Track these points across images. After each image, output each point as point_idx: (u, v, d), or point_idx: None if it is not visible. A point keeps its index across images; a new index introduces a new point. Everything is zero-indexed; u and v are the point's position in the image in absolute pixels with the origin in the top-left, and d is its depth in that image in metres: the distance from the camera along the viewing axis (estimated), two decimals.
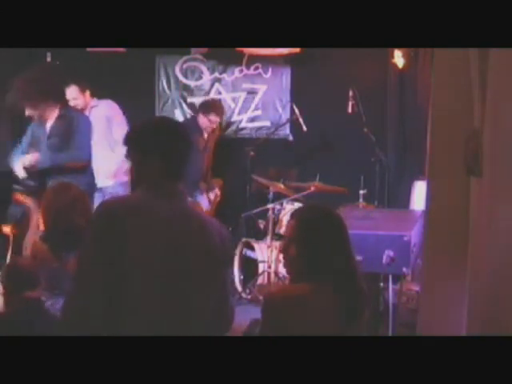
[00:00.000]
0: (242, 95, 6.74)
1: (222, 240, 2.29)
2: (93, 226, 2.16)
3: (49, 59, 6.40)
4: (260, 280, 5.27)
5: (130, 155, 2.29)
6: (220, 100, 6.41)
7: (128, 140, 2.30)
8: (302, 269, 2.29)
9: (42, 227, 3.49)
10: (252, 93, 6.73)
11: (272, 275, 5.18)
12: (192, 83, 6.80)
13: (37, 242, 3.40)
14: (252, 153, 5.99)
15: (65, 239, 3.21)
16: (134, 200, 2.22)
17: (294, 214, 2.44)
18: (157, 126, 2.33)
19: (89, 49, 5.91)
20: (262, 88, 6.70)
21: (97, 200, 4.52)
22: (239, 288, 5.46)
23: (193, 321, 2.21)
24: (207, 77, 6.77)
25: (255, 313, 3.22)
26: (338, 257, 2.26)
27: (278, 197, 5.64)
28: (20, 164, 4.51)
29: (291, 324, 2.19)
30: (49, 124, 4.56)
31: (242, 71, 6.71)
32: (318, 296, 2.21)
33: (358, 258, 3.40)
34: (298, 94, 6.53)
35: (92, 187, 4.71)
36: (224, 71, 6.74)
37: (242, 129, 6.78)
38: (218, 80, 6.76)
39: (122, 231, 2.08)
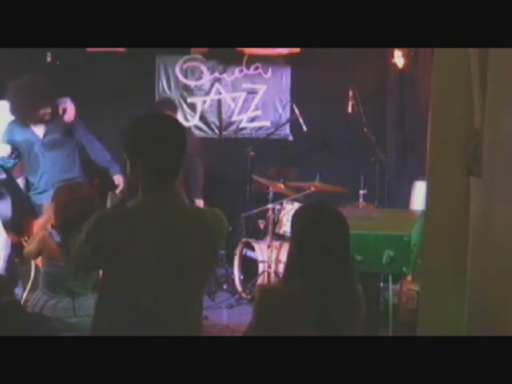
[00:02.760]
0: (242, 95, 6.74)
1: (219, 232, 2.30)
2: (87, 224, 2.19)
3: (49, 59, 6.40)
4: (260, 280, 5.27)
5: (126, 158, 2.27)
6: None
7: (123, 141, 2.28)
8: (295, 267, 2.29)
9: (51, 224, 3.48)
10: (252, 93, 6.73)
11: (272, 275, 5.18)
12: (192, 83, 6.80)
13: (46, 238, 3.38)
14: (252, 153, 5.98)
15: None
16: (128, 207, 2.23)
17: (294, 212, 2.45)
18: (143, 124, 2.24)
19: (89, 49, 5.91)
20: (262, 88, 6.71)
21: None
22: (239, 288, 5.46)
23: (186, 317, 2.23)
24: (207, 77, 6.77)
25: None
26: (330, 256, 2.25)
27: (278, 197, 5.64)
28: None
29: (279, 320, 2.19)
30: (40, 123, 4.63)
31: (242, 71, 6.71)
32: (308, 294, 2.20)
33: (358, 257, 3.42)
34: (298, 94, 6.53)
35: None
36: (224, 71, 6.74)
37: (242, 129, 6.78)
38: (218, 80, 6.76)
39: (108, 236, 2.13)
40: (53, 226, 3.42)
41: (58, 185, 4.37)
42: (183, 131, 2.28)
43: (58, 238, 3.35)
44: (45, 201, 4.60)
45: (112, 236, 2.13)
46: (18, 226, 4.63)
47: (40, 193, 4.71)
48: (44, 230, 3.48)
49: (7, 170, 4.75)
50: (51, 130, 4.64)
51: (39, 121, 4.62)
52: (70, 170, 4.70)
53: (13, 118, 4.68)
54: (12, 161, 4.75)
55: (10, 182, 4.81)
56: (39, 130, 4.64)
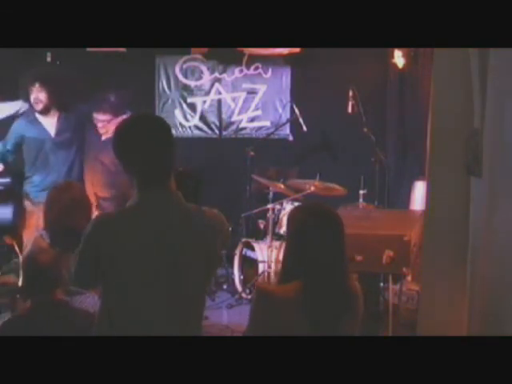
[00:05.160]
0: (242, 95, 6.74)
1: (219, 232, 2.29)
2: (85, 230, 2.19)
3: (49, 59, 6.40)
4: (260, 280, 5.27)
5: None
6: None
7: (112, 146, 2.28)
8: (290, 267, 2.30)
9: (42, 225, 3.48)
10: (252, 93, 6.72)
11: (272, 275, 5.18)
12: (192, 83, 6.80)
13: (37, 240, 3.39)
14: (252, 153, 5.98)
15: (65, 238, 3.19)
16: (126, 208, 2.22)
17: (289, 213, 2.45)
18: (131, 127, 2.25)
19: (89, 49, 5.90)
20: (261, 88, 6.70)
21: None
22: (239, 288, 5.46)
23: (186, 317, 2.23)
24: (207, 77, 6.76)
25: None
26: (325, 256, 2.25)
27: (278, 197, 5.64)
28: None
29: (276, 320, 2.19)
30: (52, 121, 4.66)
31: (242, 71, 6.70)
32: (303, 294, 2.20)
33: (358, 257, 3.42)
34: (298, 94, 6.53)
35: None
36: (224, 71, 6.74)
37: (242, 129, 6.78)
38: (218, 80, 6.75)
39: (107, 239, 2.13)
40: (44, 228, 3.43)
41: None
42: (170, 129, 2.28)
43: (48, 239, 3.35)
44: (41, 199, 4.61)
45: (111, 238, 2.13)
46: (15, 230, 4.65)
47: (43, 190, 4.64)
48: (36, 231, 3.49)
49: (6, 163, 4.74)
50: (63, 128, 4.67)
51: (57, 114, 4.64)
52: (74, 170, 4.74)
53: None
54: (11, 155, 4.75)
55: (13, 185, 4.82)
56: (51, 128, 4.66)
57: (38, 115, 4.65)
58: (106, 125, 4.72)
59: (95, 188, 4.51)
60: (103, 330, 2.21)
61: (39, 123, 4.66)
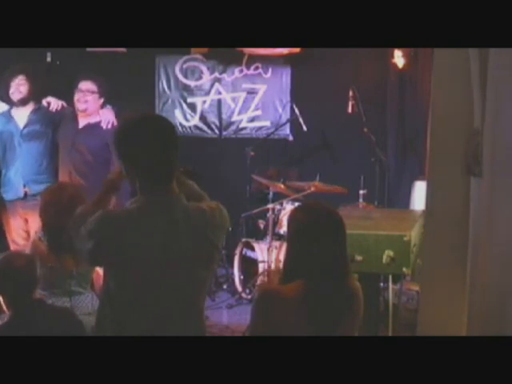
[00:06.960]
0: (242, 95, 6.74)
1: (221, 229, 2.29)
2: (89, 225, 2.16)
3: (49, 59, 6.39)
4: (260, 280, 5.27)
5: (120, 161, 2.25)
6: None
7: (114, 147, 2.27)
8: (291, 267, 2.30)
9: (40, 227, 3.49)
10: (252, 93, 6.72)
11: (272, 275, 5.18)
12: (192, 83, 6.80)
13: (36, 242, 3.40)
14: (252, 153, 5.98)
15: (63, 238, 3.19)
16: (129, 208, 2.20)
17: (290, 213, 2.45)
18: (133, 127, 2.21)
19: (89, 49, 5.90)
20: (262, 88, 6.70)
21: None
22: (239, 288, 5.47)
23: (189, 315, 2.24)
24: (207, 77, 6.76)
25: None
26: (325, 255, 2.25)
27: (278, 197, 5.64)
28: None
29: (278, 320, 2.19)
30: (24, 114, 4.65)
31: (242, 71, 6.70)
32: (304, 294, 2.20)
33: (358, 258, 3.43)
34: (298, 94, 6.53)
35: None
36: (224, 71, 6.74)
37: (242, 129, 6.78)
38: (218, 80, 6.75)
39: (110, 238, 2.12)
40: (43, 229, 3.44)
41: (31, 179, 4.52)
42: (174, 130, 2.25)
43: (45, 241, 3.36)
44: (13, 196, 4.61)
45: (114, 237, 2.12)
46: None
47: (10, 188, 4.65)
48: (35, 233, 3.50)
49: None
50: (33, 121, 4.63)
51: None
52: (42, 163, 4.65)
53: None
54: None
55: None
56: (21, 121, 4.64)
57: (13, 110, 4.65)
58: (84, 96, 4.64)
59: (73, 178, 4.43)
60: (105, 328, 2.21)
61: (12, 116, 4.65)
